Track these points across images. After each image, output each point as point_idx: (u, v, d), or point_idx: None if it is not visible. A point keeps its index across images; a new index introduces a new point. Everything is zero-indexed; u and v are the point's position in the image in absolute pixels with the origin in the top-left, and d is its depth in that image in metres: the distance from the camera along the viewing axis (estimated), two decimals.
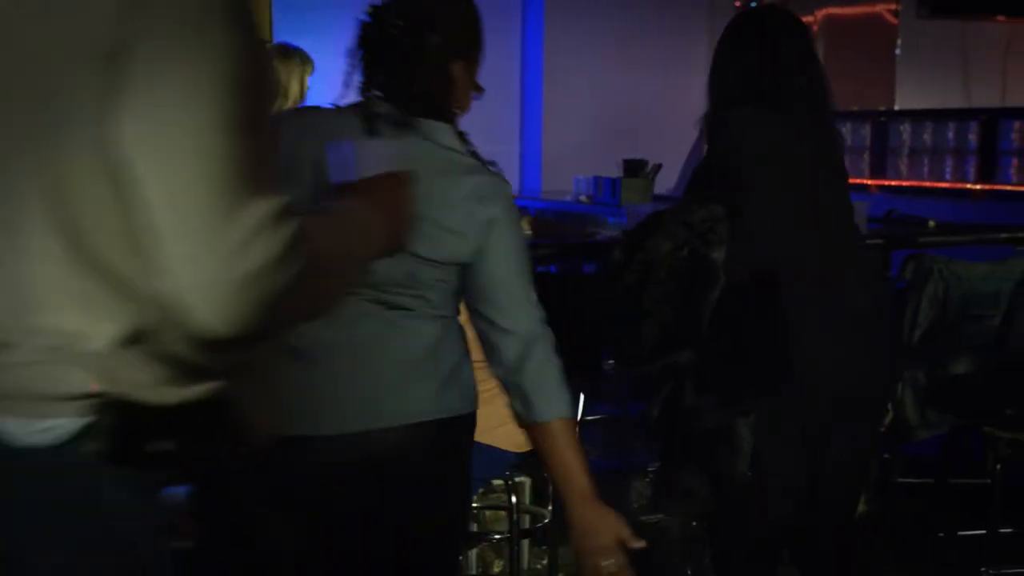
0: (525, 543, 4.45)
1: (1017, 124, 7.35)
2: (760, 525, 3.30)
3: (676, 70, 10.10)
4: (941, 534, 4.78)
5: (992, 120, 7.53)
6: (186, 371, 1.62)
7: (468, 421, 2.63)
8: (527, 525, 4.41)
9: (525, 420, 2.58)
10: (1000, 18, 10.22)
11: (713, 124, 3.37)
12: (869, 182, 8.29)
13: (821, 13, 10.88)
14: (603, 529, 2.55)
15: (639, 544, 2.55)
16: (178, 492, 1.69)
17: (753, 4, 11.19)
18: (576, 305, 4.14)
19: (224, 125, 1.52)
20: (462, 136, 2.64)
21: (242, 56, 1.55)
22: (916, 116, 8.25)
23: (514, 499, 3.88)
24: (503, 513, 4.34)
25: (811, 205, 3.25)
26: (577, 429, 2.60)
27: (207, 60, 1.52)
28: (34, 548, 1.60)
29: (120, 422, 1.59)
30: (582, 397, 4.22)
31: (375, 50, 2.62)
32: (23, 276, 1.58)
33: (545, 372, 2.58)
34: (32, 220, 1.57)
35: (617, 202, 6.73)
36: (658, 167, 6.87)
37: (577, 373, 4.29)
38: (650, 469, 4.73)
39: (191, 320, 1.52)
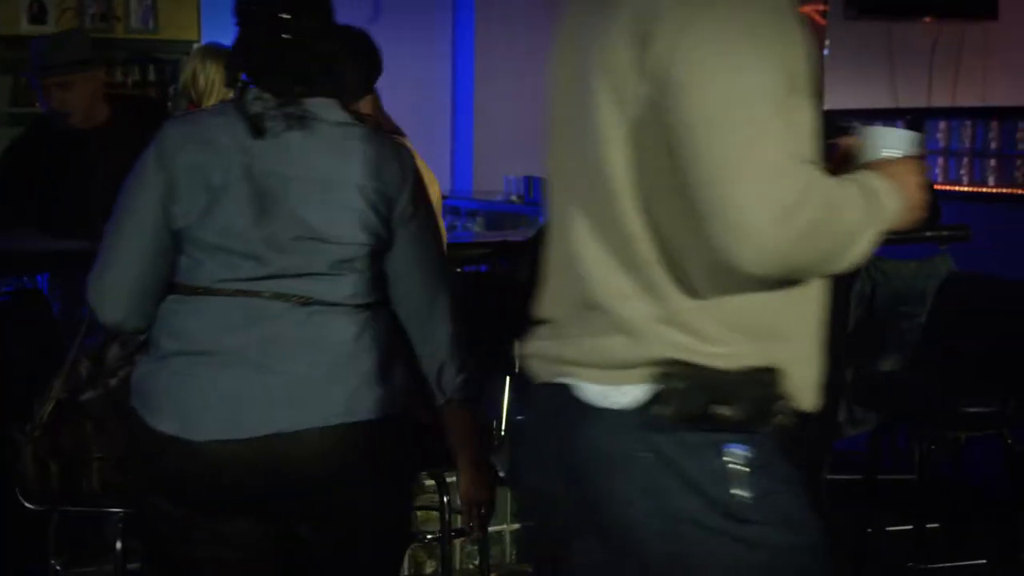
0: (457, 543, 4.44)
1: (943, 124, 7.43)
2: None
3: None
4: (869, 530, 4.81)
5: (918, 120, 7.60)
6: (744, 339, 1.83)
7: (394, 424, 2.59)
8: (458, 524, 4.39)
9: (441, 398, 2.69)
10: (927, 19, 10.31)
11: None
12: None
13: None
14: (485, 483, 2.79)
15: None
16: (739, 450, 1.84)
17: None
18: (510, 305, 4.13)
19: (774, 93, 1.70)
20: (353, 110, 2.61)
21: (784, 30, 1.75)
22: (843, 116, 8.31)
23: (445, 499, 3.86)
24: (435, 513, 4.32)
25: None
26: (481, 399, 2.77)
27: (762, 30, 1.73)
28: (613, 497, 1.88)
29: (689, 387, 1.82)
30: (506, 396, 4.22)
31: (251, 41, 2.58)
32: (591, 254, 1.88)
33: (458, 351, 2.66)
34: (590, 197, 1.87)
35: None
36: None
37: (502, 373, 4.32)
38: None
39: (734, 262, 1.72)
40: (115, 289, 2.58)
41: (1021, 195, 6.71)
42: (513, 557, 4.62)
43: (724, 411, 1.83)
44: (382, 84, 3.75)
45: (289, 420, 2.46)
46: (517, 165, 7.59)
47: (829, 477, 5.25)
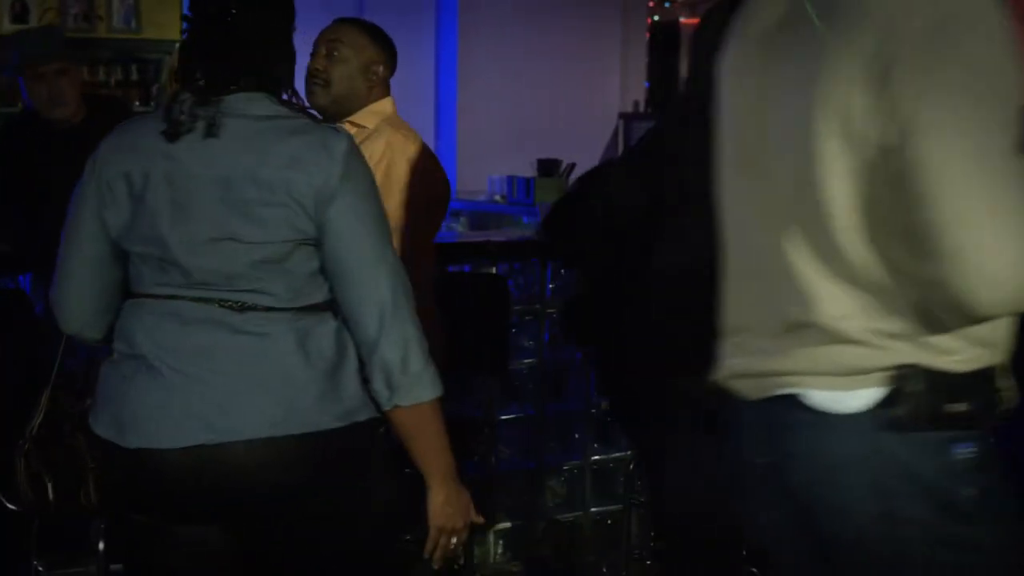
0: None
1: None
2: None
3: (590, 71, 10.13)
4: None
5: None
6: (971, 345, 1.88)
7: (347, 434, 2.45)
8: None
9: (389, 402, 2.45)
10: None
11: None
12: None
13: None
14: (459, 508, 2.57)
15: (481, 520, 2.64)
16: (967, 448, 1.89)
17: (667, 4, 11.25)
18: (486, 305, 4.14)
19: (1001, 128, 1.76)
20: (288, 101, 2.50)
21: (992, 56, 1.78)
22: None
23: None
24: None
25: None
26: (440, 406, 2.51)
27: (978, 64, 1.78)
28: (839, 499, 1.93)
29: (925, 388, 1.87)
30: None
31: (187, 38, 2.52)
32: (809, 275, 1.93)
33: (407, 349, 2.44)
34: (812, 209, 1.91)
35: (531, 201, 6.75)
36: (571, 167, 6.90)
37: (486, 372, 4.33)
38: (565, 467, 4.74)
39: (969, 303, 1.77)
40: (69, 300, 2.58)
41: None
42: (498, 556, 4.62)
43: (958, 409, 1.89)
44: None
45: (215, 431, 2.37)
46: (500, 165, 7.60)
47: None
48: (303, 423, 2.40)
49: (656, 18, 10.82)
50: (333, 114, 3.60)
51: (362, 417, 2.47)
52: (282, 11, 2.54)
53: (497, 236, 5.68)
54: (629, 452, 4.40)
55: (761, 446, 2.04)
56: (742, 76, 2.09)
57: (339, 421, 2.43)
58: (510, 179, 7.31)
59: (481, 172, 7.83)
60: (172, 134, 2.42)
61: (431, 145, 9.66)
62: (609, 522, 4.70)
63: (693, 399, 2.61)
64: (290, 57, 2.55)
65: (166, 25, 7.51)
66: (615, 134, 10.32)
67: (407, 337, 2.44)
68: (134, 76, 7.71)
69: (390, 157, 3.59)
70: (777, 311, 2.00)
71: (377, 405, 2.47)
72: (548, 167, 7.00)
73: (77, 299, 2.57)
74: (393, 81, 3.79)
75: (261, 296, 2.41)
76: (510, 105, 9.10)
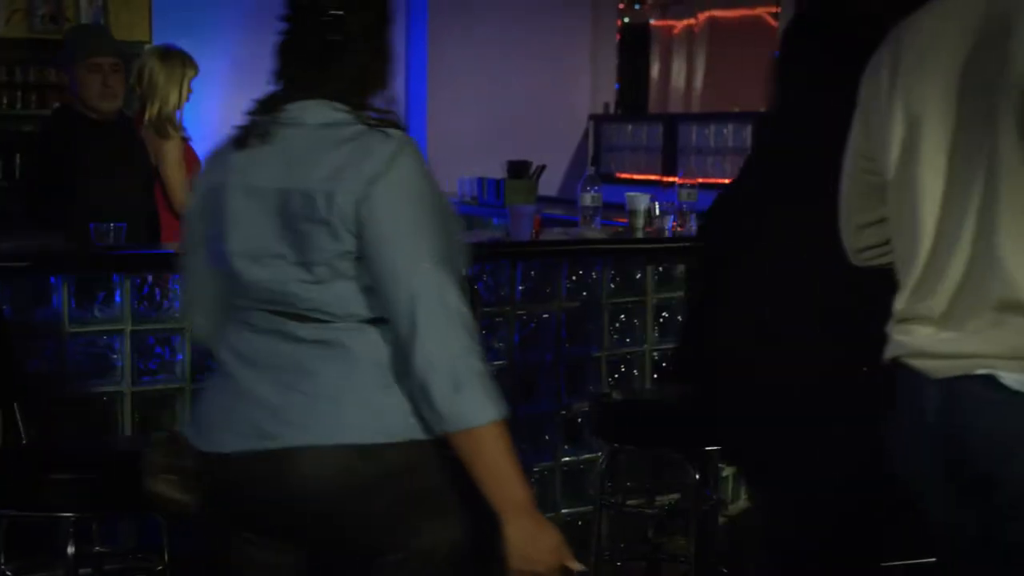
0: None
1: None
2: None
3: (560, 72, 10.13)
4: None
5: None
6: None
7: (399, 451, 2.35)
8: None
9: (436, 426, 2.29)
10: None
11: None
12: None
13: (703, 15, 10.98)
14: (543, 546, 2.29)
15: (579, 568, 2.33)
16: None
17: (637, 6, 11.26)
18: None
19: None
20: (356, 105, 2.40)
21: None
22: None
23: None
24: None
25: None
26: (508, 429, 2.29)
27: None
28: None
29: None
30: None
31: (280, 39, 2.48)
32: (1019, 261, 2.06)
33: (444, 371, 2.25)
34: None
35: (501, 203, 6.74)
36: (542, 168, 6.90)
37: None
38: (535, 469, 4.73)
39: None
40: (192, 310, 2.72)
41: None
42: None
43: None
44: None
45: (266, 438, 2.36)
46: (470, 167, 7.60)
47: None
48: (352, 436, 2.33)
49: (626, 20, 10.84)
50: None
51: (419, 436, 2.35)
52: (376, 11, 2.48)
53: (467, 238, 5.67)
54: (599, 453, 4.40)
55: (942, 419, 2.18)
56: (929, 77, 2.19)
57: (389, 437, 2.34)
58: (480, 181, 7.31)
59: (451, 174, 7.82)
60: (239, 143, 2.42)
61: None
62: (580, 523, 4.70)
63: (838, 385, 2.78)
64: (383, 58, 2.48)
65: (134, 26, 7.48)
66: (585, 136, 10.33)
67: (444, 358, 2.25)
68: None
69: None
70: (980, 293, 2.11)
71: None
72: (518, 169, 7.00)
73: (199, 310, 2.65)
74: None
75: (317, 310, 2.36)
76: (480, 107, 9.11)
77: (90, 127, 4.77)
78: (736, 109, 9.58)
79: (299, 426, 2.34)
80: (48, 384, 4.00)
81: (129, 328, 4.08)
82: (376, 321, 2.36)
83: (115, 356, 4.09)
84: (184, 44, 5.52)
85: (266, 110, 2.41)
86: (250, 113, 2.44)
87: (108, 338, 4.08)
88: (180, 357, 4.16)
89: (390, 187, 2.30)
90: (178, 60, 5.36)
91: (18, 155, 6.69)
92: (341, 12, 2.40)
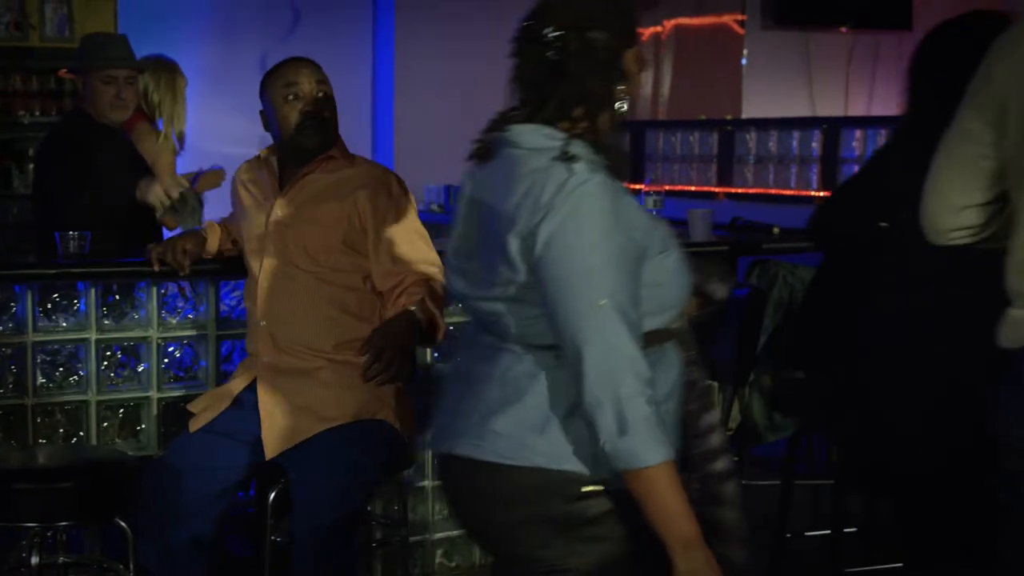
0: (379, 553, 4.43)
1: (858, 133, 7.51)
2: None
3: None
4: (788, 535, 4.85)
5: (834, 129, 7.69)
6: None
7: (545, 477, 2.39)
8: (379, 536, 4.39)
9: (615, 466, 2.31)
10: (843, 29, 10.44)
11: None
12: (716, 190, 8.40)
13: (670, 23, 11.01)
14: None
15: None
16: None
17: None
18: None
19: None
20: (570, 130, 2.41)
21: None
22: (761, 125, 8.38)
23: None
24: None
25: None
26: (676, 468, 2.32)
27: None
28: None
29: None
30: None
31: (515, 61, 2.54)
32: None
33: (607, 410, 2.28)
34: None
35: None
36: None
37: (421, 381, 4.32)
38: None
39: None
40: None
41: None
42: (439, 565, 4.61)
43: None
44: None
45: (443, 442, 2.54)
46: (437, 174, 7.60)
47: (747, 482, 5.30)
48: (495, 454, 2.41)
49: None
50: (322, 150, 3.74)
51: (571, 467, 2.39)
52: (606, 31, 2.45)
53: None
54: None
55: None
56: None
57: (526, 462, 2.40)
58: (447, 188, 7.32)
59: (418, 182, 7.81)
60: (473, 156, 2.54)
61: (368, 155, 9.66)
62: None
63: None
64: (613, 80, 2.45)
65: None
66: None
67: (610, 401, 2.27)
68: (67, 85, 7.65)
69: (387, 182, 3.83)
70: None
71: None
72: None
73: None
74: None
75: (497, 325, 2.44)
76: (446, 114, 9.09)
77: (102, 133, 4.74)
78: (703, 117, 9.60)
79: (458, 434, 2.48)
80: (13, 393, 3.99)
81: (94, 337, 4.07)
82: (553, 348, 2.38)
83: (80, 365, 4.07)
84: (150, 52, 5.49)
85: (495, 128, 2.49)
86: (486, 130, 2.52)
87: (73, 347, 4.06)
88: (146, 366, 4.15)
89: (561, 223, 2.30)
90: (177, 71, 5.47)
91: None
92: (561, 34, 2.42)
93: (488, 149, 2.48)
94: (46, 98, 7.64)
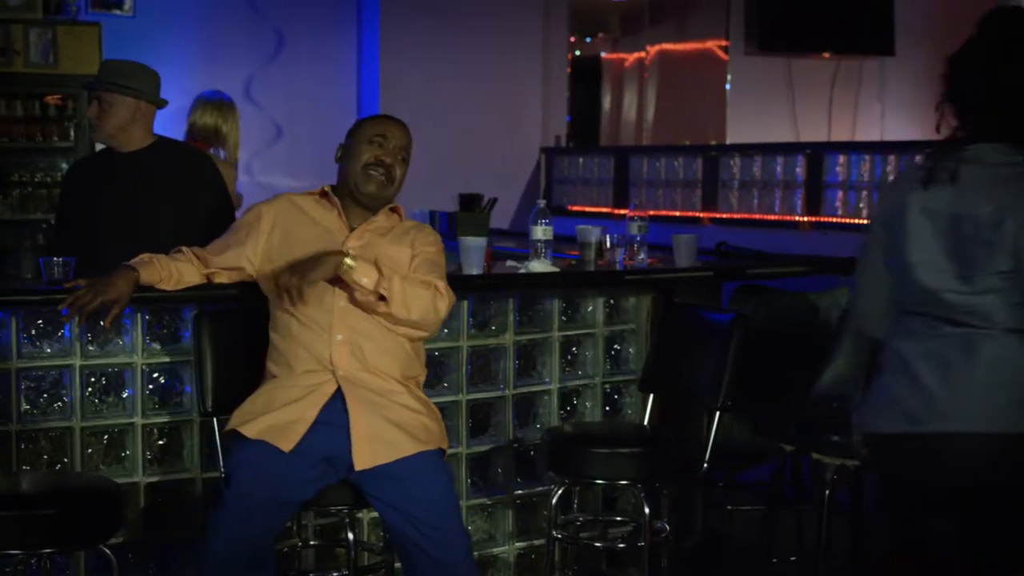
0: None
1: (842, 158, 7.54)
2: None
3: (512, 105, 10.17)
4: (775, 560, 4.86)
5: (818, 154, 7.72)
6: None
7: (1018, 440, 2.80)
8: (366, 562, 4.38)
9: None
10: (826, 55, 10.49)
11: None
12: (701, 215, 8.43)
13: (654, 49, 11.05)
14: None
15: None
16: None
17: (588, 40, 11.32)
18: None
19: None
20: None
21: None
22: (746, 150, 8.41)
23: (351, 536, 3.84)
24: (341, 550, 4.31)
25: None
26: None
27: None
28: None
29: None
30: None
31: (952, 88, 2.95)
32: None
33: None
34: None
35: (453, 236, 6.74)
36: (493, 201, 6.91)
37: None
38: (487, 503, 4.73)
39: None
40: (864, 296, 3.14)
41: None
42: None
43: None
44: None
45: (921, 424, 2.86)
46: (421, 200, 7.60)
47: (733, 508, 5.30)
48: (996, 425, 2.82)
49: (577, 53, 10.90)
50: (382, 204, 3.97)
51: None
52: None
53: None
54: (552, 486, 4.40)
55: None
56: None
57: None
58: (432, 213, 7.32)
59: (403, 207, 7.83)
60: (926, 181, 2.91)
61: None
62: (532, 556, 4.71)
63: None
64: None
65: (84, 60, 7.47)
66: (537, 168, 10.36)
67: None
68: (51, 112, 7.65)
69: (431, 230, 4.11)
70: None
71: None
72: (470, 201, 7.00)
73: (870, 301, 3.11)
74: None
75: (969, 314, 2.86)
76: (431, 139, 9.12)
77: (110, 159, 4.69)
78: (687, 142, 9.64)
79: (942, 415, 2.84)
80: None
81: (79, 363, 4.06)
82: (1018, 332, 2.83)
83: (64, 391, 4.06)
84: (208, 88, 6.01)
85: (949, 150, 2.89)
86: (933, 153, 2.93)
87: (58, 373, 4.05)
88: (131, 392, 4.14)
89: None
90: (233, 106, 6.20)
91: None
92: (1000, 63, 2.87)
93: (952, 170, 2.87)
94: (30, 123, 7.65)
